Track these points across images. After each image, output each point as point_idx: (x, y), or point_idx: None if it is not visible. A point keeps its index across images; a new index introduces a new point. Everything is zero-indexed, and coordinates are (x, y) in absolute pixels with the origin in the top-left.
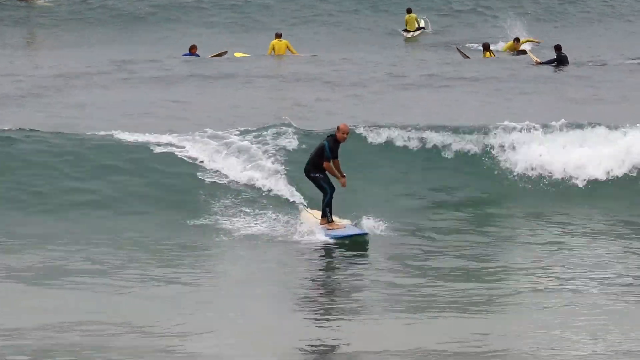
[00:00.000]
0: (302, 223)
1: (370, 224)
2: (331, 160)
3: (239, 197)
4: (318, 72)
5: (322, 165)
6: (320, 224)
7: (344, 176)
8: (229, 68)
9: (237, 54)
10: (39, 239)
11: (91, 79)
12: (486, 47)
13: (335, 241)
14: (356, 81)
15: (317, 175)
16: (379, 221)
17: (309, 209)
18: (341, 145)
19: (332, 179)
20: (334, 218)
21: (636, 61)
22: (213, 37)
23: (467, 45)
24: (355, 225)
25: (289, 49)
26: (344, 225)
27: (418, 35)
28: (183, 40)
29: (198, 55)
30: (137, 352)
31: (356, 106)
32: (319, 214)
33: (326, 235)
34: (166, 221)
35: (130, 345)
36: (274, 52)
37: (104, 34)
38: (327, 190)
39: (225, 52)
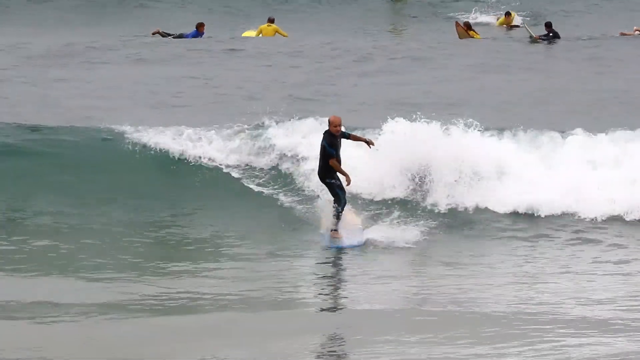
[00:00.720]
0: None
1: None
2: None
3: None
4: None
5: (330, 167)
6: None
7: (367, 140)
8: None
9: (245, 34)
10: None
11: (75, 58)
12: (468, 27)
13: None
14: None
15: (332, 181)
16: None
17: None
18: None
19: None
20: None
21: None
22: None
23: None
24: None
25: (279, 33)
26: (341, 235)
27: None
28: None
29: (203, 34)
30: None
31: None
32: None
33: (328, 243)
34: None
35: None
36: (261, 35)
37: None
38: (341, 199)
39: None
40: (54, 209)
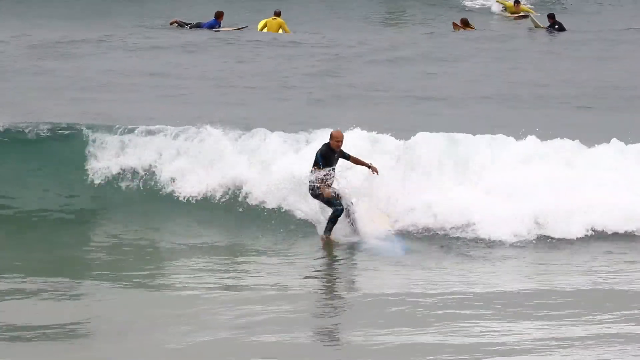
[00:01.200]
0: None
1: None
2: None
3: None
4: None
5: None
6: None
7: (371, 166)
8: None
9: (260, 25)
10: None
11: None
12: (465, 23)
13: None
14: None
15: (320, 193)
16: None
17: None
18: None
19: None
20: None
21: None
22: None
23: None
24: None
25: (283, 29)
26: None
27: None
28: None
29: (220, 23)
30: None
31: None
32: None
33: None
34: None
35: None
36: (266, 30)
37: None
38: (335, 206)
39: (246, 27)
40: (46, 202)
